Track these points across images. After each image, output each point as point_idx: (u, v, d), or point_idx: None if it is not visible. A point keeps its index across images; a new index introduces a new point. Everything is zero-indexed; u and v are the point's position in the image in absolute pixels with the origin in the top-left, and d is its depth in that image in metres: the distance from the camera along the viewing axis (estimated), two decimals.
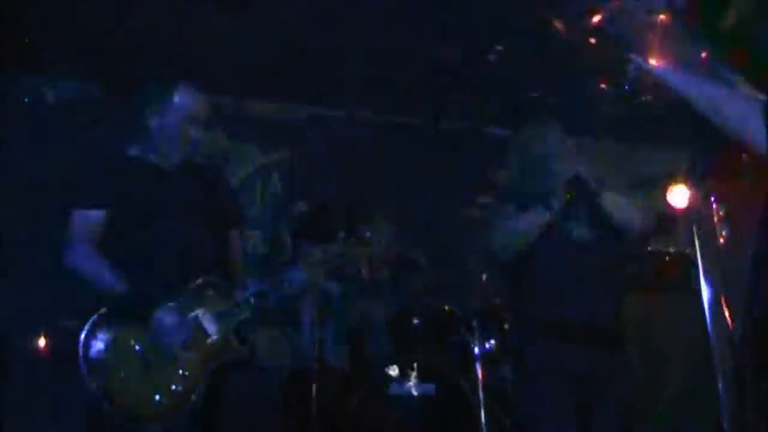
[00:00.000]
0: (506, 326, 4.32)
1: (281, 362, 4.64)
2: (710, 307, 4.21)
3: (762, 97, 2.14)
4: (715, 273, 4.36)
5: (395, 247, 4.63)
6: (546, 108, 5.44)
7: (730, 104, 2.17)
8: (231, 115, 5.75)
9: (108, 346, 2.57)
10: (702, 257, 4.25)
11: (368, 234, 3.03)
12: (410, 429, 4.03)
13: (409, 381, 4.03)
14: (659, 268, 5.04)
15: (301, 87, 5.61)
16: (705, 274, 4.22)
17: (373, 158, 5.86)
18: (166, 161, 2.88)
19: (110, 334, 2.58)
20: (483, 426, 3.89)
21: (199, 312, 2.67)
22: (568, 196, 3.08)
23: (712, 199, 4.67)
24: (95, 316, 2.59)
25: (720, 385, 4.24)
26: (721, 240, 4.69)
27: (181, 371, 2.60)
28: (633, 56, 2.56)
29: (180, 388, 2.58)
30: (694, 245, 4.28)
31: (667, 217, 5.15)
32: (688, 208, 4.61)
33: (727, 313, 4.50)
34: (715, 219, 4.69)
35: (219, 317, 2.68)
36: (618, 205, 3.17)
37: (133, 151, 2.93)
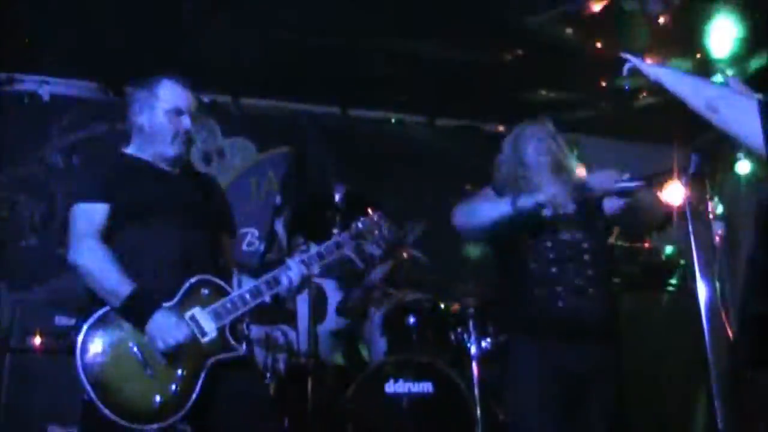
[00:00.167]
0: (493, 324, 4.33)
1: (277, 359, 4.64)
2: (706, 305, 4.22)
3: (758, 96, 2.15)
4: (711, 271, 4.37)
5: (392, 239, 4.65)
6: (546, 106, 5.46)
7: (727, 103, 2.18)
8: (227, 112, 5.76)
9: (105, 349, 2.56)
10: (698, 255, 4.26)
11: (360, 226, 3.02)
12: (406, 427, 4.03)
13: (405, 379, 4.04)
14: (655, 267, 5.05)
15: (298, 85, 5.61)
16: (700, 272, 4.23)
17: (371, 157, 5.87)
18: (162, 159, 2.88)
19: (107, 336, 2.57)
20: (479, 424, 3.90)
21: (195, 311, 2.67)
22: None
23: (708, 197, 4.68)
24: (92, 318, 2.58)
25: (714, 383, 4.25)
26: (717, 238, 4.71)
27: (179, 371, 2.60)
28: (630, 57, 2.57)
29: (179, 387, 2.58)
30: (690, 243, 4.29)
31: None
32: (684, 207, 4.60)
33: (722, 311, 4.52)
34: (711, 217, 4.70)
35: (215, 315, 2.68)
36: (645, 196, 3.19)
37: (129, 151, 2.93)
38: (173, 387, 2.57)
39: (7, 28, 4.31)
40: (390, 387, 4.05)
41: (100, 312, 2.60)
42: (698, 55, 4.08)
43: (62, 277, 4.57)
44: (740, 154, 5.41)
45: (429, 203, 5.47)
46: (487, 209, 3.15)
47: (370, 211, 3.09)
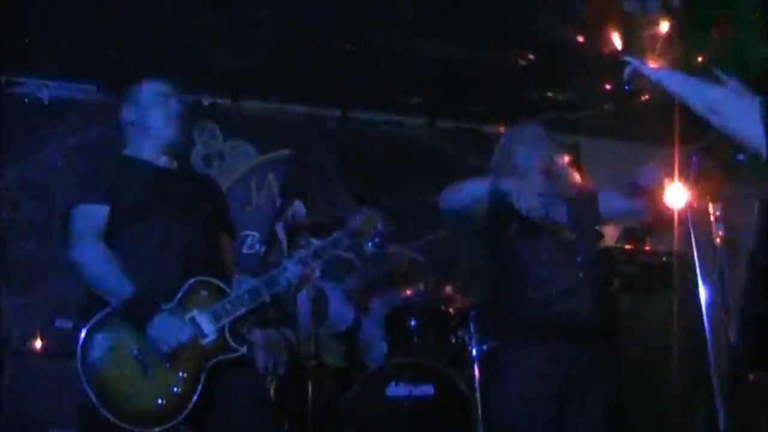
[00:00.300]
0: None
1: (278, 362, 4.64)
2: (707, 307, 4.22)
3: (758, 97, 2.15)
4: (712, 272, 4.38)
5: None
6: (546, 107, 5.46)
7: (728, 104, 2.18)
8: (227, 114, 5.76)
9: (105, 352, 2.55)
10: (698, 257, 4.26)
11: (356, 223, 3.02)
12: (407, 429, 4.03)
13: (406, 381, 4.04)
14: (654, 268, 5.05)
15: (298, 87, 5.61)
16: (701, 273, 4.24)
17: (371, 159, 5.87)
18: (160, 150, 2.88)
19: (107, 339, 2.57)
20: (480, 426, 3.89)
21: (194, 312, 2.66)
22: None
23: (708, 199, 4.69)
24: (91, 321, 2.57)
25: (714, 383, 4.26)
26: (717, 240, 4.71)
27: (180, 373, 2.59)
28: (630, 59, 2.57)
29: (179, 389, 2.58)
30: (691, 245, 4.29)
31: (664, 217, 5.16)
32: (685, 209, 4.61)
33: (723, 312, 4.52)
34: (712, 219, 4.71)
35: (214, 316, 2.68)
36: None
37: (127, 152, 2.94)
38: (174, 389, 2.57)
39: (7, 30, 4.31)
40: (391, 389, 4.04)
41: (100, 315, 2.59)
42: (699, 58, 4.08)
43: (62, 279, 4.56)
44: (741, 156, 5.41)
45: (429, 205, 5.46)
46: (469, 187, 3.19)
47: (366, 209, 3.09)
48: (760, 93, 2.15)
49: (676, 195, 4.80)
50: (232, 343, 2.69)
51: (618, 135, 6.12)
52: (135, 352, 2.57)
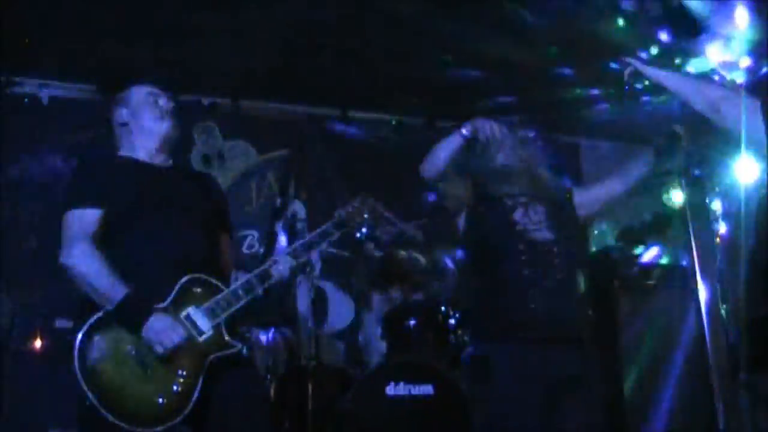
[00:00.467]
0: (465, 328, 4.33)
1: (277, 361, 4.64)
2: (706, 306, 4.22)
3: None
4: (711, 272, 4.38)
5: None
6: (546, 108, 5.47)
7: (729, 103, 2.18)
8: (227, 114, 5.76)
9: (103, 353, 2.54)
10: (697, 257, 4.26)
11: (343, 214, 3.01)
12: (406, 429, 4.03)
13: (406, 381, 4.04)
14: (654, 268, 5.05)
15: (298, 87, 5.61)
16: (701, 273, 4.24)
17: (371, 158, 5.87)
18: (154, 149, 2.88)
19: (104, 340, 2.56)
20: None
21: (189, 310, 2.66)
22: None
23: (708, 198, 4.69)
24: (87, 324, 2.56)
25: (715, 383, 4.25)
26: (717, 239, 4.72)
27: (179, 371, 2.59)
28: (630, 59, 2.57)
29: (179, 387, 2.58)
30: (690, 245, 4.29)
31: (663, 217, 5.17)
32: (684, 208, 4.61)
33: (723, 312, 4.52)
34: (711, 219, 4.71)
35: (210, 313, 2.67)
36: None
37: (122, 153, 2.94)
38: (174, 387, 2.56)
39: (7, 31, 4.31)
40: (390, 389, 4.04)
41: (96, 316, 2.57)
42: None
43: (62, 279, 4.55)
44: (741, 155, 5.41)
45: (429, 205, 5.46)
46: (442, 146, 3.17)
47: (357, 199, 3.10)
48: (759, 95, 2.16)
49: (677, 194, 4.80)
50: (229, 339, 2.68)
51: (618, 136, 6.12)
52: (133, 352, 2.56)
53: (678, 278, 4.84)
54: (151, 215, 2.75)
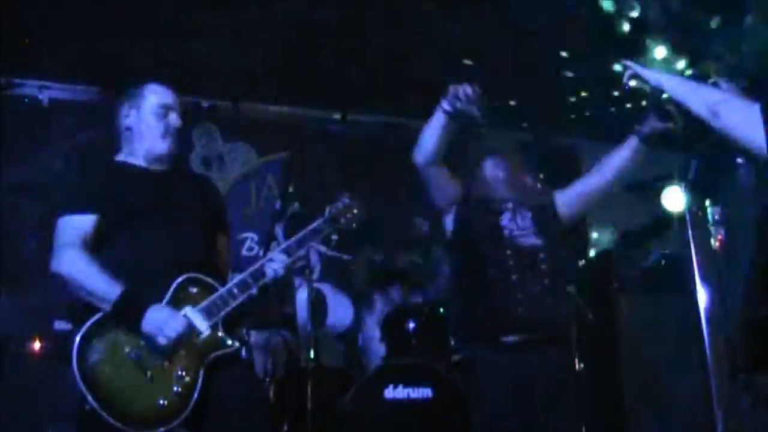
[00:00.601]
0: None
1: (276, 363, 4.64)
2: (705, 309, 4.22)
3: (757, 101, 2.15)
4: (711, 275, 4.37)
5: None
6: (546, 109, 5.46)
7: (728, 107, 2.18)
8: (227, 117, 5.76)
9: (102, 356, 2.54)
10: (697, 260, 4.27)
11: (333, 210, 3.03)
12: (405, 431, 4.03)
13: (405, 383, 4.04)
14: (653, 271, 5.05)
15: (298, 89, 5.60)
16: (700, 276, 4.24)
17: (371, 161, 5.86)
18: (154, 159, 2.87)
19: (102, 343, 2.55)
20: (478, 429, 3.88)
21: (186, 310, 2.65)
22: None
23: (708, 201, 4.69)
24: (84, 327, 2.55)
25: (714, 385, 4.25)
26: (717, 242, 4.71)
27: (178, 372, 2.59)
28: (631, 63, 2.57)
29: (179, 388, 2.57)
30: (690, 248, 4.29)
31: (663, 220, 5.16)
32: (684, 211, 4.61)
33: (722, 315, 4.52)
34: (711, 221, 4.70)
35: (207, 313, 2.66)
36: None
37: (120, 157, 2.92)
38: (174, 388, 2.56)
39: (7, 32, 4.31)
40: (389, 392, 4.04)
41: (93, 319, 2.57)
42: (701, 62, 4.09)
43: (61, 281, 4.56)
44: (740, 159, 5.41)
45: (429, 207, 5.46)
46: (428, 128, 3.16)
47: (347, 196, 3.11)
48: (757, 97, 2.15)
49: (676, 197, 4.80)
50: (226, 339, 2.68)
51: (617, 136, 6.11)
52: (132, 354, 2.55)
53: (677, 280, 4.84)
54: (148, 218, 2.74)
